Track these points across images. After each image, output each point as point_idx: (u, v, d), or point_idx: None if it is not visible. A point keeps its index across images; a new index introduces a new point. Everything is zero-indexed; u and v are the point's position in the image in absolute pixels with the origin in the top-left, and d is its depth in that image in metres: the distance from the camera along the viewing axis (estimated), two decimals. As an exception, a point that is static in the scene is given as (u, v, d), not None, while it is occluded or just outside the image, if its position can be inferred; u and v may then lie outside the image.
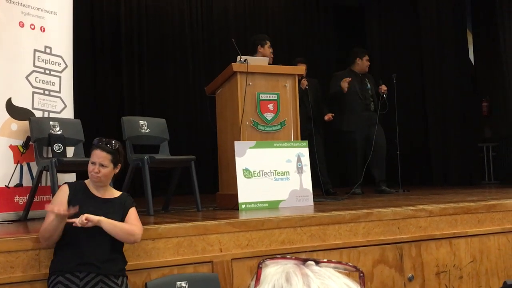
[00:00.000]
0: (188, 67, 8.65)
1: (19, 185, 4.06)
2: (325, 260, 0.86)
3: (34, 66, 4.24)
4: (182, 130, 8.07)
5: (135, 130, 4.50)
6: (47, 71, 4.33)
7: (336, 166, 7.83)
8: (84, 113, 5.79)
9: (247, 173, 4.29)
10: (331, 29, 9.91)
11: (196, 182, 4.33)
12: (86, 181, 2.88)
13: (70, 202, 2.71)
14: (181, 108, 8.48)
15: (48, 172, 3.87)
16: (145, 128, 4.55)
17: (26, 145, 4.11)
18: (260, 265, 0.85)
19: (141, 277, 2.99)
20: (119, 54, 8.25)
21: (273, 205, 4.30)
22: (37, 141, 3.99)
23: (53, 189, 3.63)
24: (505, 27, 7.57)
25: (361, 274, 0.86)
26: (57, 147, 4.03)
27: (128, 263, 2.83)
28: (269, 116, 4.53)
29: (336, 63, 9.38)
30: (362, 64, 6.39)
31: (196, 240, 3.16)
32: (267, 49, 5.38)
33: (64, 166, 3.84)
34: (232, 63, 4.49)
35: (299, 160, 4.49)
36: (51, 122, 4.13)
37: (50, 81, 4.33)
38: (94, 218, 2.63)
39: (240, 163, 4.29)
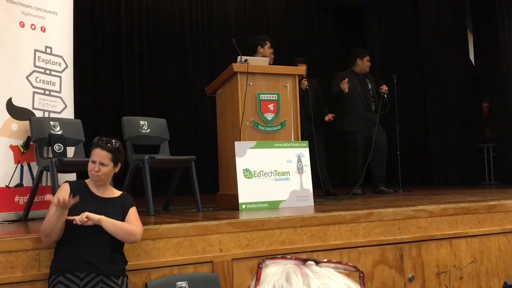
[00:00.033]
0: (189, 67, 8.65)
1: (20, 185, 4.07)
2: (325, 260, 0.86)
3: (35, 66, 4.24)
4: (182, 130, 8.07)
5: (135, 130, 4.50)
6: (48, 71, 4.33)
7: (336, 166, 7.83)
8: (85, 113, 5.80)
9: (248, 173, 4.29)
10: (331, 29, 9.91)
11: (197, 182, 4.33)
12: (87, 181, 2.88)
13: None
14: (182, 108, 8.49)
15: (49, 172, 3.87)
16: (146, 128, 4.55)
17: (26, 145, 4.11)
18: (260, 265, 0.85)
19: (141, 277, 2.99)
20: (119, 54, 8.25)
21: (274, 205, 4.30)
22: (37, 141, 3.99)
23: (54, 189, 3.63)
24: (505, 27, 7.57)
25: (361, 274, 0.86)
26: (57, 147, 4.03)
27: (128, 263, 2.83)
28: (269, 116, 4.53)
29: (336, 63, 9.38)
30: (363, 64, 6.39)
31: (197, 240, 3.16)
32: (267, 49, 5.38)
33: (65, 166, 3.84)
34: (233, 63, 4.49)
35: (299, 160, 4.49)
36: (51, 122, 4.13)
37: (50, 81, 4.34)
38: (95, 216, 2.63)
39: (241, 163, 4.29)
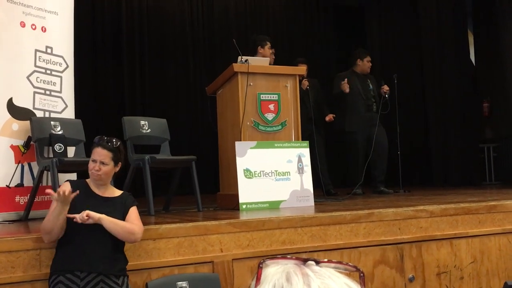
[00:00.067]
0: (189, 67, 8.65)
1: (20, 185, 4.07)
2: (325, 260, 0.86)
3: (35, 66, 4.24)
4: (183, 130, 8.07)
5: (136, 130, 4.51)
6: (48, 71, 4.33)
7: (337, 166, 7.83)
8: (85, 113, 5.80)
9: (248, 173, 4.29)
10: (331, 29, 9.91)
11: (197, 182, 4.33)
12: (88, 180, 2.88)
13: (72, 199, 2.71)
14: (182, 108, 8.49)
15: (49, 172, 3.87)
16: (146, 128, 4.55)
17: (27, 145, 4.11)
18: (261, 265, 0.85)
19: (141, 277, 2.99)
20: (120, 54, 8.26)
21: (274, 205, 4.30)
22: (38, 141, 3.99)
23: (54, 189, 3.63)
24: (506, 28, 7.57)
25: (361, 274, 0.86)
26: (58, 147, 4.03)
27: (128, 263, 2.83)
28: (270, 116, 4.53)
29: (336, 63, 9.39)
30: (363, 65, 6.39)
31: (197, 240, 3.16)
32: (267, 50, 5.38)
33: (65, 166, 3.85)
34: (233, 64, 4.50)
35: (300, 160, 4.49)
36: (52, 122, 4.13)
37: (51, 81, 4.34)
38: (95, 215, 2.63)
39: (241, 163, 4.29)
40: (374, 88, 6.38)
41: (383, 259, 3.63)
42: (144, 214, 3.63)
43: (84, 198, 2.73)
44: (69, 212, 2.64)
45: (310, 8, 9.80)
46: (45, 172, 3.96)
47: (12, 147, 4.06)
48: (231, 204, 4.35)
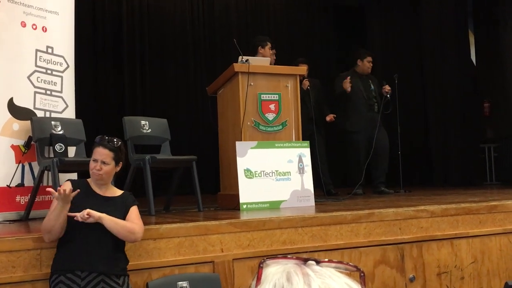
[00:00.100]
0: (190, 66, 8.65)
1: (21, 185, 4.07)
2: (326, 260, 0.86)
3: (36, 66, 4.24)
4: (183, 130, 8.07)
5: (136, 130, 4.51)
6: (49, 71, 4.33)
7: (337, 166, 7.83)
8: (86, 113, 5.80)
9: (249, 173, 4.29)
10: (331, 29, 9.91)
11: (198, 182, 4.33)
12: (88, 180, 2.89)
13: (73, 198, 2.71)
14: (183, 108, 8.49)
15: (50, 172, 3.88)
16: (147, 128, 4.56)
17: (27, 145, 4.11)
18: (261, 265, 0.85)
19: (142, 277, 2.99)
20: (120, 54, 8.26)
21: (275, 205, 4.30)
22: (38, 141, 3.99)
23: (55, 189, 3.63)
24: (507, 28, 7.56)
25: (362, 274, 0.86)
26: (58, 147, 4.03)
27: (129, 263, 2.83)
28: (270, 116, 4.53)
29: (336, 63, 9.39)
30: (363, 65, 6.39)
31: (197, 240, 3.16)
32: (268, 50, 5.38)
33: (66, 166, 3.85)
34: (234, 63, 4.50)
35: (300, 160, 4.49)
36: (52, 122, 4.14)
37: (51, 81, 4.34)
38: (96, 214, 2.63)
39: (242, 163, 4.29)
40: (375, 88, 6.38)
41: (384, 259, 3.63)
42: (144, 214, 3.63)
43: (85, 197, 2.73)
44: (69, 211, 2.64)
45: (310, 8, 9.80)
46: (46, 172, 3.96)
47: (12, 147, 4.06)
48: (231, 204, 4.35)
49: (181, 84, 8.56)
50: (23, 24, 4.20)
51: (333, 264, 0.86)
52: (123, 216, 2.78)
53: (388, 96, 6.19)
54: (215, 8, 8.97)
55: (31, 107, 4.19)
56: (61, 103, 4.39)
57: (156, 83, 8.35)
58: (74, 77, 4.56)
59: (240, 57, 4.60)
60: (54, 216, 2.62)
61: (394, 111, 6.21)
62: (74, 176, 4.15)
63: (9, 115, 4.06)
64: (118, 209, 2.79)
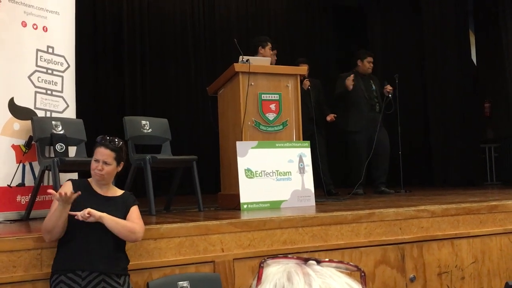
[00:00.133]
0: (190, 67, 8.65)
1: (21, 184, 4.07)
2: (326, 259, 0.86)
3: (37, 65, 4.25)
4: (184, 130, 8.07)
5: (137, 130, 4.51)
6: (50, 71, 4.33)
7: (338, 166, 7.83)
8: (86, 113, 5.81)
9: (249, 173, 4.29)
10: (331, 29, 9.91)
11: (198, 182, 4.33)
12: (89, 179, 2.89)
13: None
14: (183, 108, 8.49)
15: (50, 172, 3.88)
16: (147, 128, 4.56)
17: (28, 144, 4.11)
18: (262, 265, 0.85)
19: (143, 277, 2.99)
20: (121, 54, 8.26)
21: (275, 205, 4.30)
22: (39, 141, 4.00)
23: (55, 188, 3.63)
24: (508, 28, 7.56)
25: (363, 274, 0.86)
26: (59, 146, 4.03)
27: (130, 262, 2.84)
28: (271, 116, 4.53)
29: (336, 63, 9.40)
30: (363, 66, 6.40)
31: (198, 240, 3.16)
32: (268, 50, 5.38)
33: (66, 166, 3.85)
34: (234, 63, 4.50)
35: (301, 160, 4.49)
36: (53, 122, 4.14)
37: (52, 81, 4.34)
38: (96, 213, 2.63)
39: (242, 163, 4.29)
40: (377, 88, 6.39)
41: (384, 259, 3.63)
42: (145, 214, 3.64)
43: (86, 197, 2.74)
44: (70, 211, 2.64)
45: (310, 8, 9.80)
46: (46, 171, 3.96)
47: (13, 146, 4.06)
48: (232, 204, 4.35)
49: (182, 84, 8.57)
50: (24, 24, 4.20)
51: (334, 264, 0.85)
52: (123, 216, 2.78)
53: (390, 96, 6.20)
54: (215, 9, 8.97)
55: (32, 107, 4.19)
56: (61, 103, 4.40)
57: (156, 83, 8.36)
58: (75, 77, 4.56)
59: (241, 57, 4.60)
60: (55, 217, 2.62)
61: (394, 111, 6.22)
62: (74, 176, 4.15)
63: (10, 115, 4.06)
64: (119, 209, 2.80)
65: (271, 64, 5.01)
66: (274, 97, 4.56)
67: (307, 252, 3.35)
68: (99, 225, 2.64)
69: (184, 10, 8.73)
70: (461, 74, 8.19)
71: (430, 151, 8.60)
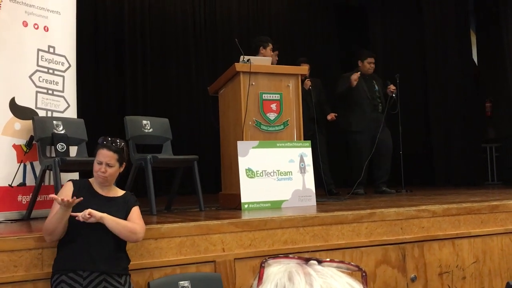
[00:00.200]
0: (191, 67, 8.66)
1: (22, 184, 4.07)
2: (327, 259, 0.86)
3: (38, 65, 4.25)
4: (184, 129, 8.07)
5: (138, 130, 4.51)
6: (51, 71, 4.34)
7: (339, 166, 7.83)
8: (87, 113, 5.81)
9: (250, 173, 4.29)
10: (332, 28, 9.91)
11: (199, 182, 4.33)
12: (90, 180, 2.89)
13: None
14: (184, 107, 8.49)
15: (51, 172, 3.88)
16: (148, 128, 4.56)
17: (29, 144, 4.12)
18: (263, 265, 0.85)
19: (143, 277, 3.00)
20: (122, 54, 8.26)
21: (276, 205, 4.30)
22: (40, 141, 4.00)
23: (56, 188, 3.64)
24: (509, 28, 7.55)
25: (364, 274, 0.86)
26: (60, 146, 4.04)
27: (131, 262, 2.84)
28: (272, 116, 4.53)
29: (337, 63, 9.39)
30: (363, 66, 6.39)
31: (199, 239, 3.17)
32: (269, 51, 5.39)
33: (67, 166, 3.85)
34: (235, 63, 4.50)
35: (302, 160, 4.49)
36: (54, 122, 4.14)
37: (53, 81, 4.34)
38: (97, 214, 2.64)
39: (243, 163, 4.29)
40: (379, 89, 6.39)
41: (385, 259, 3.63)
42: (146, 214, 3.64)
43: (87, 197, 2.74)
44: (71, 211, 2.64)
45: (311, 7, 9.80)
46: (48, 171, 3.96)
47: (14, 146, 4.06)
48: (233, 203, 4.35)
49: (182, 84, 8.57)
50: (25, 24, 4.20)
51: (335, 264, 0.85)
52: (124, 217, 2.78)
53: (394, 95, 6.20)
54: (216, 8, 8.97)
55: (33, 107, 4.19)
56: (62, 102, 4.40)
57: (157, 83, 8.36)
58: (76, 76, 4.56)
59: (242, 56, 4.60)
60: (56, 220, 2.63)
61: (395, 111, 6.22)
62: (75, 175, 4.15)
63: (11, 115, 4.06)
64: (120, 209, 2.80)
65: (272, 64, 5.01)
66: (275, 97, 4.56)
67: (308, 252, 3.35)
68: (99, 226, 2.65)
69: (185, 10, 8.74)
70: (462, 74, 8.18)
71: (431, 151, 8.60)
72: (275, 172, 4.37)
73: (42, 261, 2.80)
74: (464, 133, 8.08)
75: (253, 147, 4.35)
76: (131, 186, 4.20)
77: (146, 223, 2.94)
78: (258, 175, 4.31)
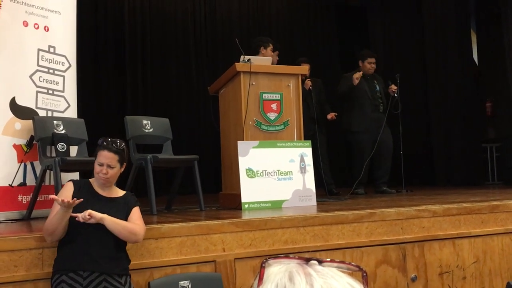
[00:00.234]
0: (191, 66, 8.66)
1: (23, 184, 4.07)
2: (328, 259, 0.86)
3: (38, 65, 4.25)
4: (185, 129, 8.08)
5: (138, 130, 4.51)
6: (51, 71, 4.34)
7: (339, 166, 7.83)
8: (88, 113, 5.81)
9: (250, 173, 4.29)
10: (332, 28, 9.91)
11: (199, 182, 4.33)
12: (91, 180, 2.89)
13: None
14: (184, 107, 8.49)
15: (52, 171, 3.88)
16: (149, 128, 4.56)
17: (29, 144, 4.12)
18: (263, 265, 0.85)
19: (144, 277, 3.00)
20: (122, 54, 8.27)
21: (276, 205, 4.30)
22: (40, 140, 4.00)
23: (57, 188, 3.64)
24: (509, 28, 7.54)
25: (364, 274, 0.86)
26: (60, 146, 4.04)
27: (131, 262, 2.84)
28: (272, 116, 4.53)
29: (338, 62, 9.39)
30: (364, 67, 6.39)
31: (199, 239, 3.17)
32: (269, 51, 5.39)
33: (68, 165, 3.85)
34: (236, 63, 4.50)
35: (302, 160, 4.49)
36: (54, 122, 4.14)
37: (53, 81, 4.34)
38: (97, 214, 2.64)
39: (243, 162, 4.29)
40: (381, 89, 6.39)
41: (386, 259, 3.63)
42: (146, 214, 3.64)
43: (87, 198, 2.74)
44: (71, 212, 2.64)
45: (312, 7, 9.80)
46: (48, 171, 3.96)
47: (15, 146, 4.06)
48: (233, 203, 4.35)
49: (183, 84, 8.57)
50: (25, 24, 4.20)
51: (335, 264, 0.85)
52: (125, 217, 2.78)
53: (396, 95, 6.19)
54: (217, 8, 8.98)
55: (33, 107, 4.19)
56: (63, 102, 4.40)
57: (157, 83, 8.36)
58: (76, 76, 4.56)
59: (242, 56, 4.60)
60: (56, 220, 2.63)
61: (396, 110, 6.22)
62: (76, 175, 4.15)
63: (11, 115, 4.06)
64: (120, 209, 2.80)
65: (271, 63, 5.00)
66: (276, 96, 4.56)
67: (308, 252, 3.35)
68: (100, 226, 2.65)
69: (185, 10, 8.74)
70: (462, 74, 8.18)
71: (432, 151, 8.59)
72: (275, 172, 4.37)
73: (42, 261, 2.80)
74: (464, 133, 8.08)
75: (253, 147, 4.35)
76: (131, 186, 4.20)
77: (146, 223, 2.94)
78: (259, 175, 4.31)
